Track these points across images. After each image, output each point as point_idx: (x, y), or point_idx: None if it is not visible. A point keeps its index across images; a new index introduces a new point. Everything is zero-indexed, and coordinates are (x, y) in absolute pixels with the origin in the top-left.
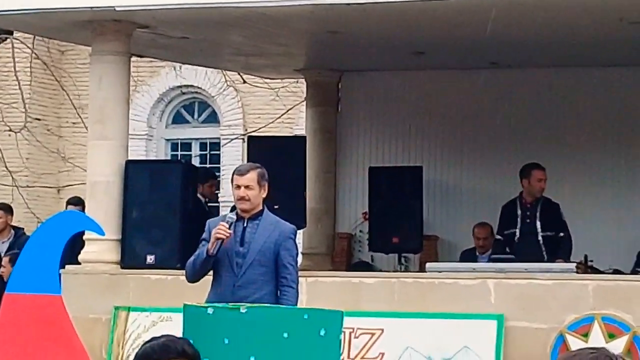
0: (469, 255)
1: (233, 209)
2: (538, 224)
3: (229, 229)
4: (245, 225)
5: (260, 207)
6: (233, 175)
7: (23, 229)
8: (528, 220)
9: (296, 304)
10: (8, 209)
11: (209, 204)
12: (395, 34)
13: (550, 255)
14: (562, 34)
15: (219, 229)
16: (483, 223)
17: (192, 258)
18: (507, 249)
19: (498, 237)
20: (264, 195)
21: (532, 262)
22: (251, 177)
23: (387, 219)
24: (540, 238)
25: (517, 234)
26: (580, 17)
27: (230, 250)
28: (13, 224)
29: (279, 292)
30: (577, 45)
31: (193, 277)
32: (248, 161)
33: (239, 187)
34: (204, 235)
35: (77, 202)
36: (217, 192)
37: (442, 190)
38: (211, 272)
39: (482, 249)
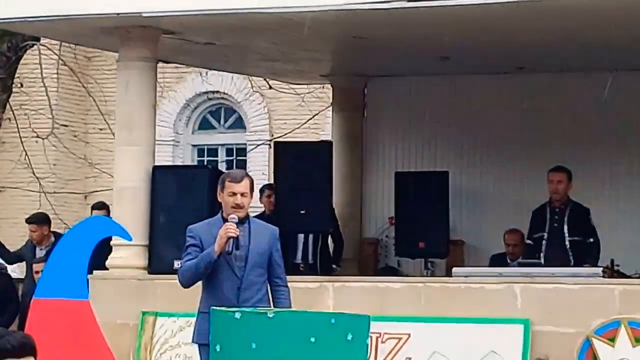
0: (499, 260)
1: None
2: (565, 228)
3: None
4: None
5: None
6: (224, 182)
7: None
8: (556, 224)
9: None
10: (42, 221)
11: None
12: (421, 39)
13: (577, 260)
14: (590, 37)
15: (228, 228)
16: (513, 229)
17: (188, 264)
18: (536, 254)
19: (528, 241)
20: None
21: (559, 266)
22: (245, 184)
23: (414, 224)
24: (567, 242)
25: (545, 237)
26: (607, 21)
27: (228, 255)
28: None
29: (273, 291)
30: (605, 49)
31: (192, 281)
32: (275, 167)
33: (234, 194)
34: (191, 242)
35: (102, 206)
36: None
37: (468, 195)
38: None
39: (513, 255)
